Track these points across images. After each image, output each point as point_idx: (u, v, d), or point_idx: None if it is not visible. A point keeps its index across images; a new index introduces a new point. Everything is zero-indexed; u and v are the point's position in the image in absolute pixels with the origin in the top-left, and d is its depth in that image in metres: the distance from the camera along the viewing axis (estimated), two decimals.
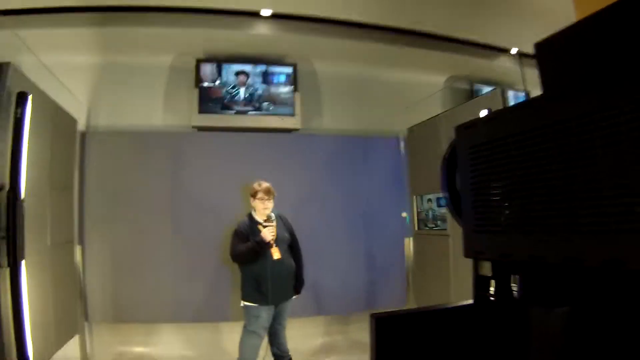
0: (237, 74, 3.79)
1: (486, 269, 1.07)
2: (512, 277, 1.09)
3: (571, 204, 0.79)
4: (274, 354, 3.11)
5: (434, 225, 3.63)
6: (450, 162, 1.18)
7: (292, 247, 3.09)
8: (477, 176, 1.03)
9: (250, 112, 3.78)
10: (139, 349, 3.49)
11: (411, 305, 3.88)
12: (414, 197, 3.89)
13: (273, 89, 3.84)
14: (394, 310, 1.14)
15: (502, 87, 3.56)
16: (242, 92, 3.78)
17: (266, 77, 3.84)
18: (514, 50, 3.86)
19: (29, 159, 2.27)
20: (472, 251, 1.06)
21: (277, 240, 2.96)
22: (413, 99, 3.97)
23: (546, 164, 0.84)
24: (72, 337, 3.03)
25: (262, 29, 3.56)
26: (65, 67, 3.27)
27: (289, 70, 3.89)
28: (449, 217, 3.27)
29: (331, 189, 3.86)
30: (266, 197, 3.00)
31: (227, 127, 3.73)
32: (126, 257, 3.43)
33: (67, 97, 3.20)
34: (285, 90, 3.86)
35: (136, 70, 3.74)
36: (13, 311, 2.13)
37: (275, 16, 3.30)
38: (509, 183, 0.93)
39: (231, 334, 3.27)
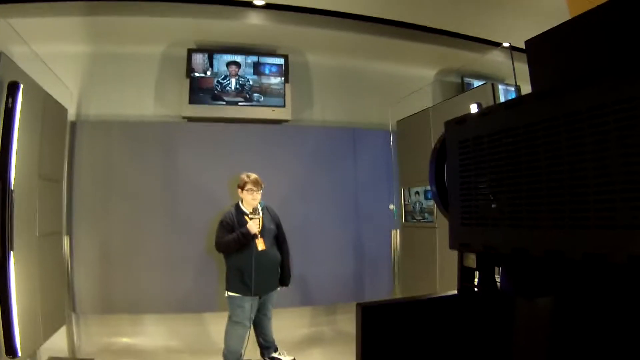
0: (229, 64, 3.76)
1: (471, 260, 1.10)
2: (496, 268, 1.12)
3: (556, 200, 0.81)
4: (259, 345, 3.14)
5: (421, 218, 3.67)
6: (439, 156, 1.20)
7: (278, 238, 3.10)
8: (465, 170, 1.05)
9: (240, 103, 3.76)
10: (125, 340, 3.50)
11: (397, 296, 3.92)
12: (402, 189, 3.92)
13: (264, 80, 3.82)
14: (380, 300, 1.16)
15: (492, 81, 3.59)
16: (233, 83, 3.76)
17: (257, 68, 3.82)
18: (505, 44, 3.87)
19: (18, 149, 2.24)
20: (458, 243, 1.09)
21: (263, 232, 2.97)
22: (403, 91, 3.98)
23: (533, 160, 0.86)
24: (59, 328, 3.02)
25: (254, 19, 3.53)
26: (55, 56, 3.21)
27: (281, 61, 3.87)
28: (435, 209, 3.31)
29: (320, 180, 3.87)
30: (255, 189, 3.00)
31: (217, 118, 3.71)
32: (113, 248, 3.42)
33: (57, 86, 3.14)
34: (276, 81, 3.84)
35: (127, 59, 3.69)
36: (1, 302, 2.12)
37: (268, 6, 3.27)
38: (496, 178, 0.95)
39: (217, 325, 3.29)
